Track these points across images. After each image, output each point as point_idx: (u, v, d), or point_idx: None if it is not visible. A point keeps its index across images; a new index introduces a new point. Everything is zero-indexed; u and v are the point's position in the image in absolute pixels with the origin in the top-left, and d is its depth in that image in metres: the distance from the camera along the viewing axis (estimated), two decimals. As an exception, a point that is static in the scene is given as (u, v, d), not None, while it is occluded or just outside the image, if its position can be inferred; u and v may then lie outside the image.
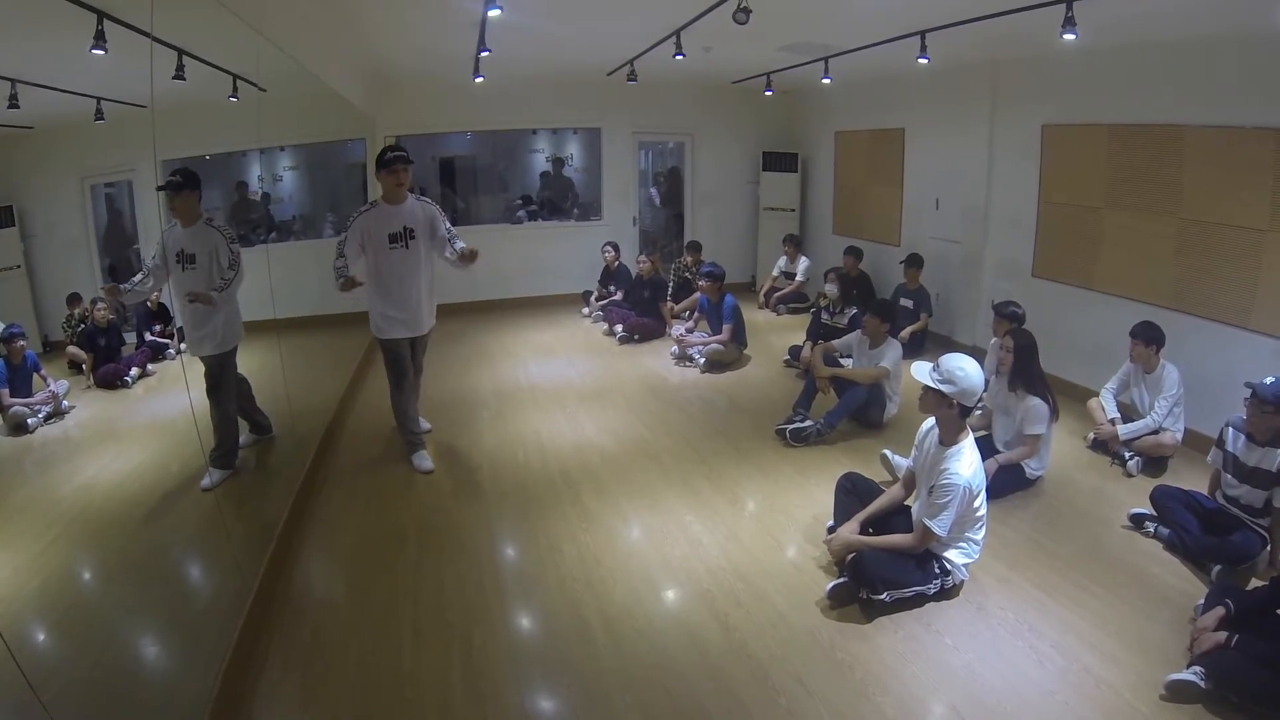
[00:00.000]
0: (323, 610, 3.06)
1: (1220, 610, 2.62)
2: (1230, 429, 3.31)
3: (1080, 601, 3.00)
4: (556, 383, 5.92)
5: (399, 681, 2.60)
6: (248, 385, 3.43)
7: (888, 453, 4.08)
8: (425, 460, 4.30)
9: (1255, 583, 3.06)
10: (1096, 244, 5.19)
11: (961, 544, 3.01)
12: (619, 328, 7.10)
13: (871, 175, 7.80)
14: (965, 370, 2.92)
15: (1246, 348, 4.20)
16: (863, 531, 3.19)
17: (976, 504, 2.97)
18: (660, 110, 8.58)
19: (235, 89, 3.34)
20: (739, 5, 3.77)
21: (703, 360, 6.15)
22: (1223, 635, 2.52)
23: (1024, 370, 3.94)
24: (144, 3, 2.22)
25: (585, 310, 8.08)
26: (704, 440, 4.71)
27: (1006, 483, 3.85)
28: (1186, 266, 4.56)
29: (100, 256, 2.69)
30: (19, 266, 2.24)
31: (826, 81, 6.40)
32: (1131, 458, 4.16)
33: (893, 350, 4.82)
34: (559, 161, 10.08)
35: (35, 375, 2.36)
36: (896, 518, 3.24)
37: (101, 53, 2.10)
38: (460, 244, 4.10)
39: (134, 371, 2.86)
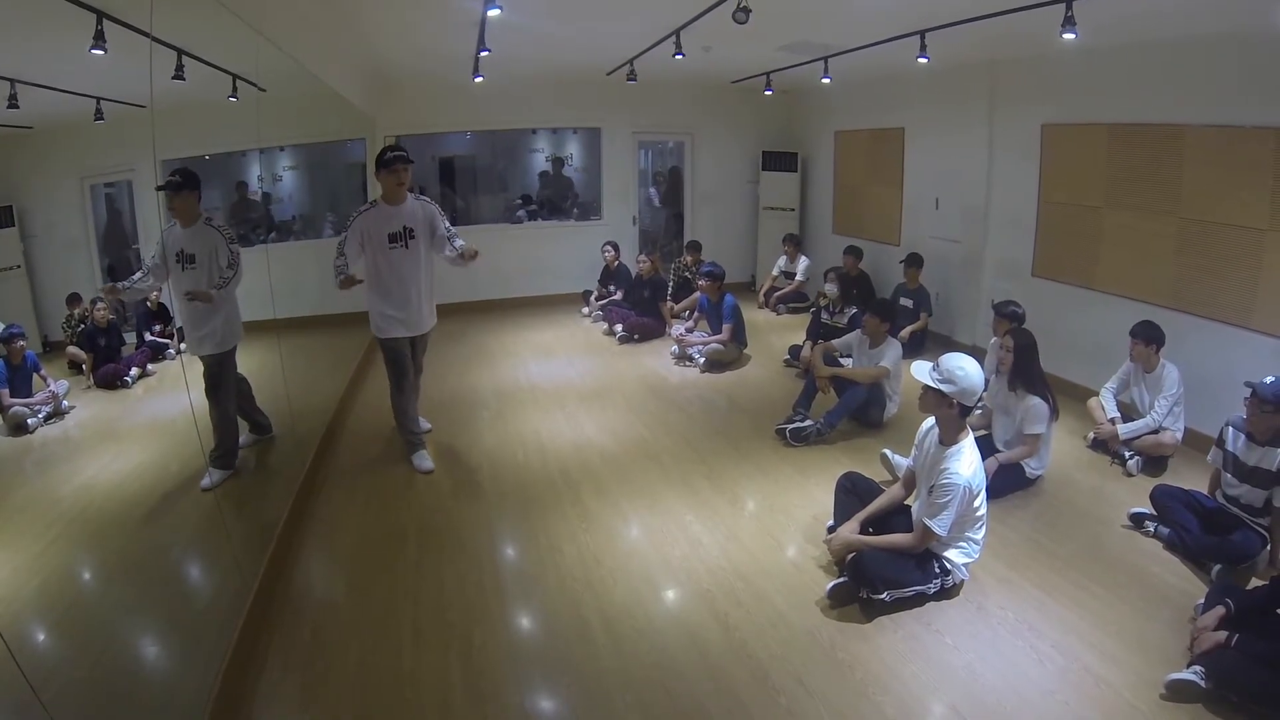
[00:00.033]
0: (323, 610, 3.06)
1: (1220, 610, 2.63)
2: (1230, 428, 3.31)
3: (1080, 601, 3.00)
4: (556, 382, 5.92)
5: (399, 681, 2.60)
6: (248, 385, 3.43)
7: (888, 452, 4.08)
8: (425, 460, 4.30)
9: (1255, 582, 3.06)
10: (1096, 243, 5.19)
11: (961, 543, 3.01)
12: (619, 327, 7.10)
13: (871, 175, 7.80)
14: (965, 370, 2.92)
15: (1246, 347, 4.20)
16: (863, 531, 3.19)
17: (976, 504, 2.97)
18: (660, 110, 8.58)
19: (235, 89, 3.34)
20: (739, 5, 3.77)
21: (702, 360, 6.15)
22: (1223, 635, 2.52)
23: (1024, 370, 3.94)
24: (144, 3, 2.22)
25: (585, 310, 8.08)
26: (704, 440, 4.71)
27: (1006, 482, 3.85)
28: (1186, 266, 4.56)
29: (100, 256, 2.69)
30: (19, 266, 2.24)
31: (826, 81, 6.40)
32: (1131, 457, 4.16)
33: (892, 350, 4.82)
34: (559, 161, 10.08)
35: (35, 375, 2.36)
36: (896, 517, 3.24)
37: (101, 53, 2.10)
38: (460, 242, 4.10)
39: (134, 371, 2.86)
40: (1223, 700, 2.39)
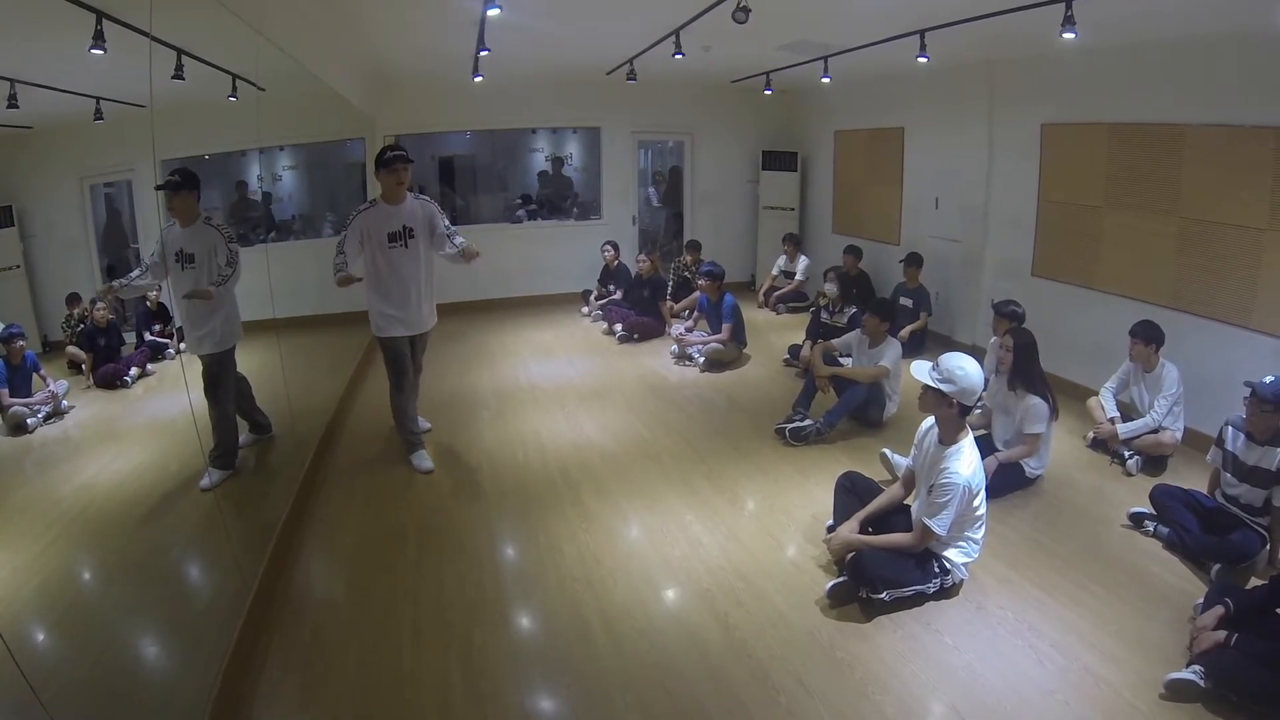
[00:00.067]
0: (323, 610, 3.06)
1: (1220, 609, 2.63)
2: (1230, 428, 3.31)
3: (1080, 600, 3.00)
4: (556, 382, 5.92)
5: (399, 681, 2.60)
6: (247, 384, 3.43)
7: (887, 452, 4.08)
8: (425, 460, 4.30)
9: (1255, 581, 3.06)
10: (1096, 243, 5.19)
11: (961, 543, 3.01)
12: (618, 327, 7.10)
13: (871, 174, 7.80)
14: (965, 369, 2.92)
15: (1246, 347, 4.20)
16: (862, 531, 3.19)
17: (976, 503, 2.97)
18: (660, 109, 8.58)
19: (234, 89, 3.34)
20: (738, 4, 3.77)
21: (702, 359, 6.15)
22: (1222, 634, 2.52)
23: (1024, 369, 3.94)
24: (143, 3, 2.22)
25: (585, 309, 8.08)
26: (704, 439, 4.71)
27: (1006, 482, 3.85)
28: (1186, 265, 4.56)
29: (99, 256, 2.69)
30: (18, 266, 2.24)
31: (826, 81, 6.40)
32: (1131, 457, 4.16)
33: (892, 349, 4.82)
34: (558, 161, 10.08)
35: (35, 375, 2.36)
36: (896, 517, 3.24)
37: (100, 52, 2.10)
38: (460, 239, 4.11)
39: (133, 371, 2.86)
40: (1222, 700, 2.39)
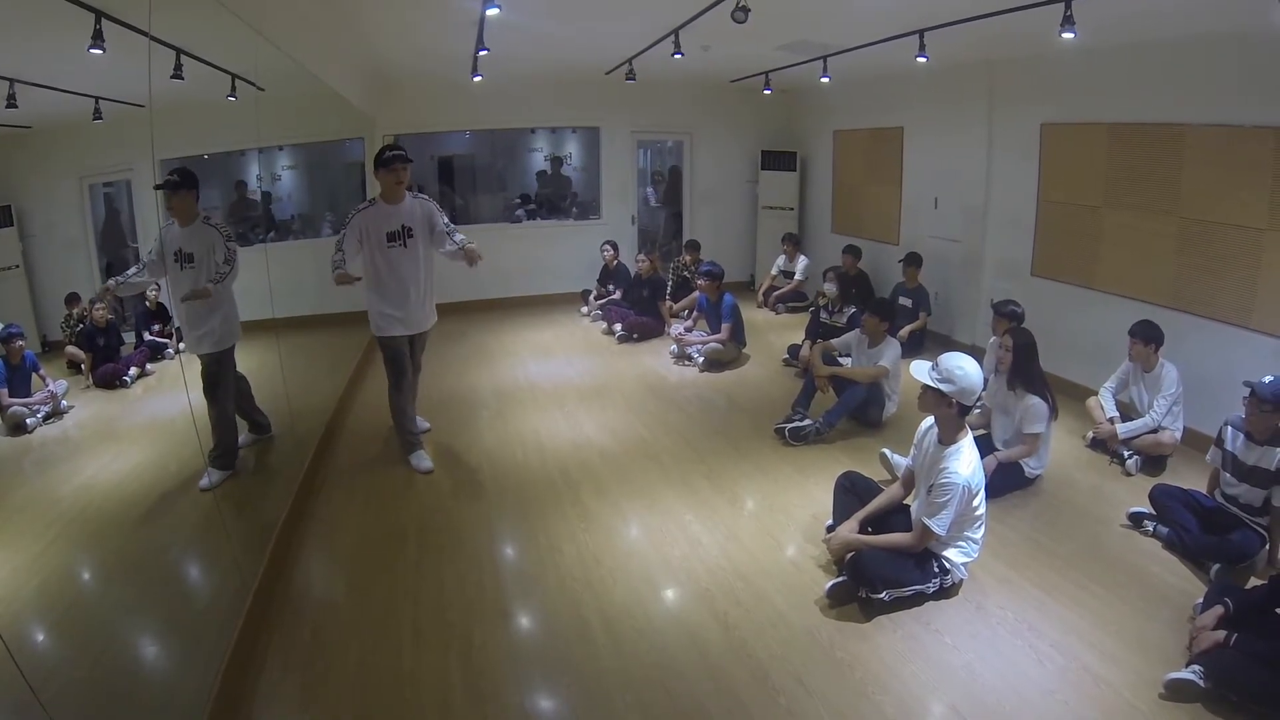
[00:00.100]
0: (323, 610, 3.06)
1: (1219, 609, 2.63)
2: (1229, 428, 3.31)
3: (1080, 600, 3.00)
4: (556, 382, 5.92)
5: (399, 681, 2.60)
6: (247, 384, 3.43)
7: (887, 452, 4.08)
8: (424, 460, 4.30)
9: (1254, 581, 3.07)
10: (1096, 243, 5.19)
11: (961, 543, 3.01)
12: (618, 327, 7.10)
13: (870, 174, 7.80)
14: (964, 369, 2.92)
15: (1246, 347, 4.20)
16: (862, 530, 3.19)
17: (975, 503, 2.97)
18: (659, 109, 8.58)
19: (234, 88, 3.33)
20: (737, 4, 3.77)
21: (701, 359, 6.15)
22: (1221, 634, 2.52)
23: (1023, 369, 3.94)
24: (143, 2, 2.22)
25: (584, 309, 8.08)
26: (703, 439, 4.71)
27: (1005, 482, 3.86)
28: (1186, 265, 4.57)
29: (99, 256, 2.69)
30: (18, 266, 2.24)
31: (825, 80, 6.40)
32: (1130, 456, 4.17)
33: (891, 349, 4.82)
34: (557, 160, 10.07)
35: (34, 375, 2.36)
36: (896, 517, 3.24)
37: (100, 52, 2.09)
38: (460, 236, 4.10)
39: (133, 371, 2.85)
40: (1222, 699, 2.40)
